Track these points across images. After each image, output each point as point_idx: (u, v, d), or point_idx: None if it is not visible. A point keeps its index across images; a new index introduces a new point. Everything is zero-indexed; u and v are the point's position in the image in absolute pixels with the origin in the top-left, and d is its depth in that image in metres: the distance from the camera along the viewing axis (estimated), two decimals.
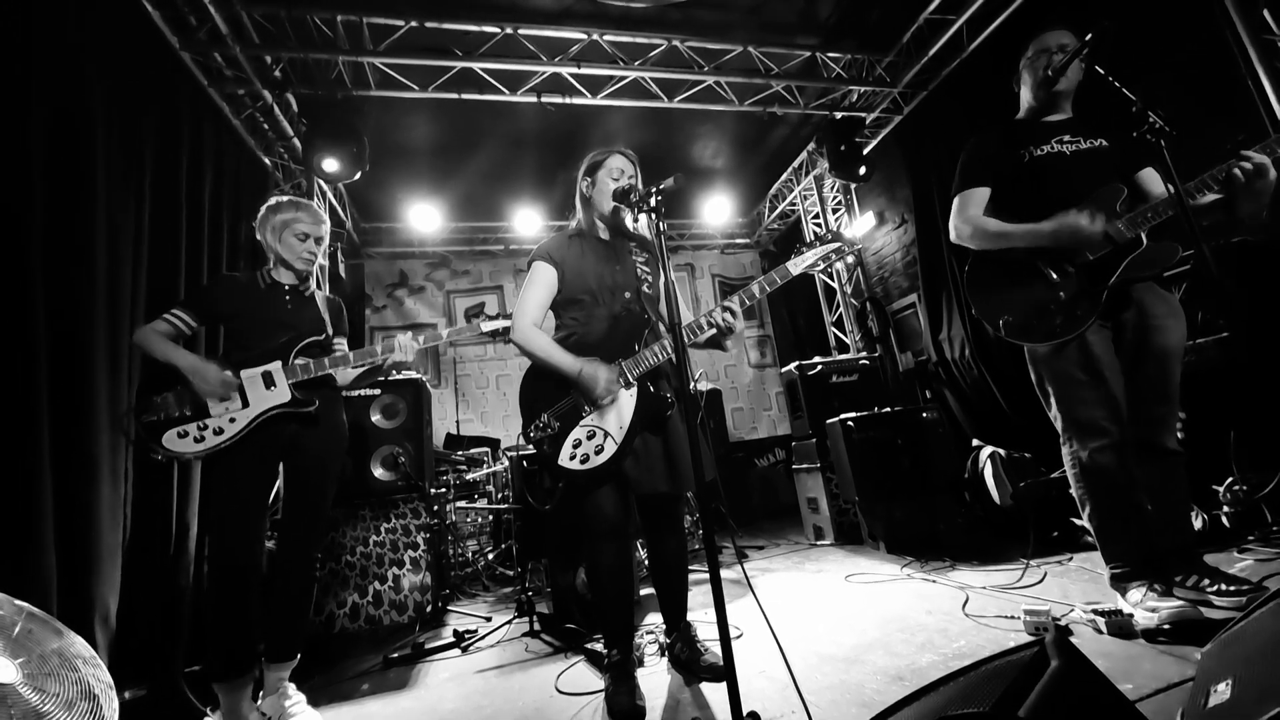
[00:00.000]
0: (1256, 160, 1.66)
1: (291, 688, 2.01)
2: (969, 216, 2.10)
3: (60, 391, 2.25)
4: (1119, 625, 1.75)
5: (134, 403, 2.00)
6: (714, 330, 1.90)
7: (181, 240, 3.13)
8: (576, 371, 1.86)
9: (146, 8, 3.22)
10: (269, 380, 2.05)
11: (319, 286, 2.43)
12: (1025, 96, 2.17)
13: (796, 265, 1.91)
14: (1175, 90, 2.98)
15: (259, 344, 2.08)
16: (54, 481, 2.16)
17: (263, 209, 2.23)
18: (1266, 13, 2.85)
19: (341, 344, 2.34)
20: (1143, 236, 1.85)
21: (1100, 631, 1.78)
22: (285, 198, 2.29)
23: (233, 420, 1.98)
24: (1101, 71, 1.82)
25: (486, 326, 2.33)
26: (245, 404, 2.01)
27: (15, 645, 1.35)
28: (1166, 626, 1.66)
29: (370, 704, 2.15)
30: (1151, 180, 1.99)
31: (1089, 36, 1.81)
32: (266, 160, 4.50)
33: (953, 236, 2.16)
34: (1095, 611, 1.82)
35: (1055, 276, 1.94)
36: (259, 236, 2.23)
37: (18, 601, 1.43)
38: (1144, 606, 1.75)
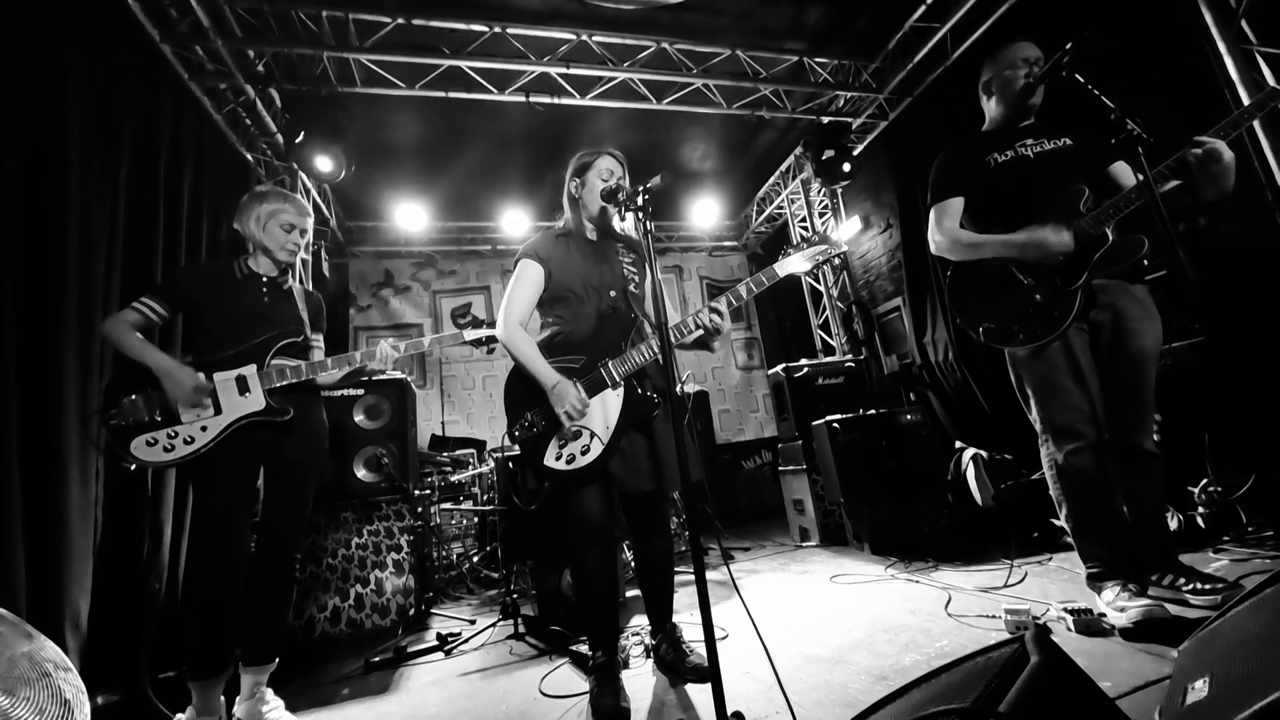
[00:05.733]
0: (1209, 145, 1.67)
1: (269, 693, 1.96)
2: (945, 229, 2.14)
3: (29, 390, 2.20)
4: (1086, 624, 1.78)
5: (100, 404, 1.92)
6: (701, 331, 1.90)
7: (158, 236, 3.07)
8: (551, 385, 1.85)
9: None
10: (243, 386, 1.98)
11: (300, 281, 2.37)
12: (994, 107, 2.19)
13: (784, 267, 1.91)
14: (1152, 100, 3.04)
15: (234, 341, 2.01)
16: (22, 482, 2.10)
17: (245, 197, 2.17)
18: (1245, 23, 2.91)
19: (318, 340, 2.29)
20: (1108, 233, 1.87)
21: (1069, 630, 1.80)
22: (270, 187, 2.25)
23: (204, 429, 1.92)
24: (1081, 80, 1.84)
25: (470, 335, 2.29)
26: (218, 411, 1.94)
27: None
28: (1132, 625, 1.68)
29: (351, 709, 2.12)
30: (1124, 173, 2.00)
31: (1069, 46, 1.84)
32: (249, 156, 4.44)
33: (933, 249, 2.20)
34: (1065, 610, 1.84)
35: (1030, 281, 1.97)
36: (238, 225, 2.16)
37: None
38: (1115, 606, 1.78)
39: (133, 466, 1.89)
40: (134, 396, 1.90)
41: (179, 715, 1.85)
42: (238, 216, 2.16)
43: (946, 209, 2.15)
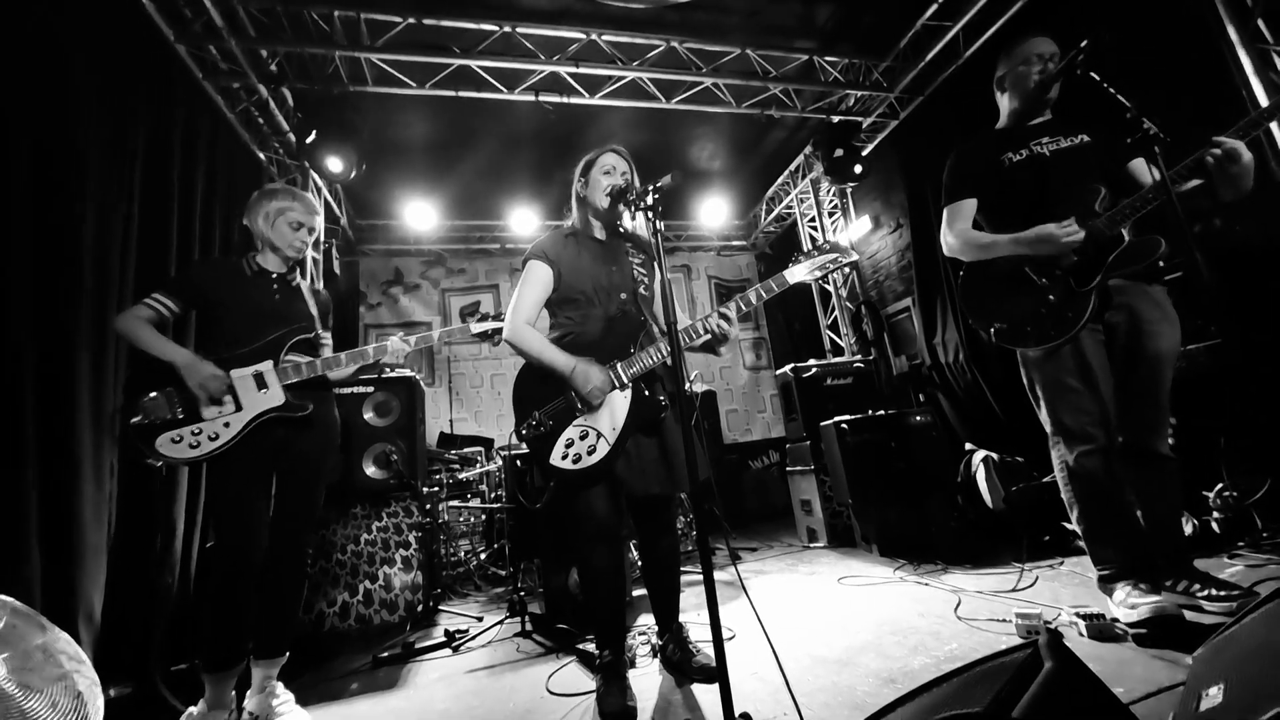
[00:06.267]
0: (1227, 146, 1.65)
1: (279, 686, 1.99)
2: (958, 230, 2.12)
3: (44, 388, 2.23)
4: (1099, 629, 1.76)
5: (121, 404, 1.94)
6: (709, 336, 1.90)
7: (172, 235, 3.11)
8: (570, 369, 1.85)
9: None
10: (260, 382, 2.00)
11: (309, 279, 2.40)
12: (1009, 103, 2.17)
13: (794, 274, 1.90)
14: (1168, 98, 3.00)
15: (247, 338, 2.03)
16: (38, 478, 2.14)
17: (255, 194, 2.20)
18: (1261, 22, 2.87)
19: (327, 338, 2.30)
20: (1124, 233, 1.85)
21: (1081, 635, 1.78)
22: (280, 185, 2.26)
23: (227, 425, 1.94)
24: (1096, 78, 1.82)
25: (476, 328, 2.32)
26: (239, 408, 1.97)
27: None
28: (1142, 621, 1.67)
29: (359, 703, 2.13)
30: (1142, 170, 1.97)
31: (1084, 43, 1.82)
32: (261, 155, 4.47)
33: (945, 250, 2.19)
34: (1078, 614, 1.82)
35: (1043, 281, 1.95)
36: (247, 221, 2.18)
37: (2, 596, 1.41)
38: (1125, 604, 1.76)
39: (159, 464, 1.90)
40: (154, 395, 1.91)
41: (191, 708, 1.86)
42: (247, 213, 2.18)
43: (959, 210, 2.13)
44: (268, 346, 2.05)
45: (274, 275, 2.19)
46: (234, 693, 1.92)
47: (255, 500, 1.97)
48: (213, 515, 2.24)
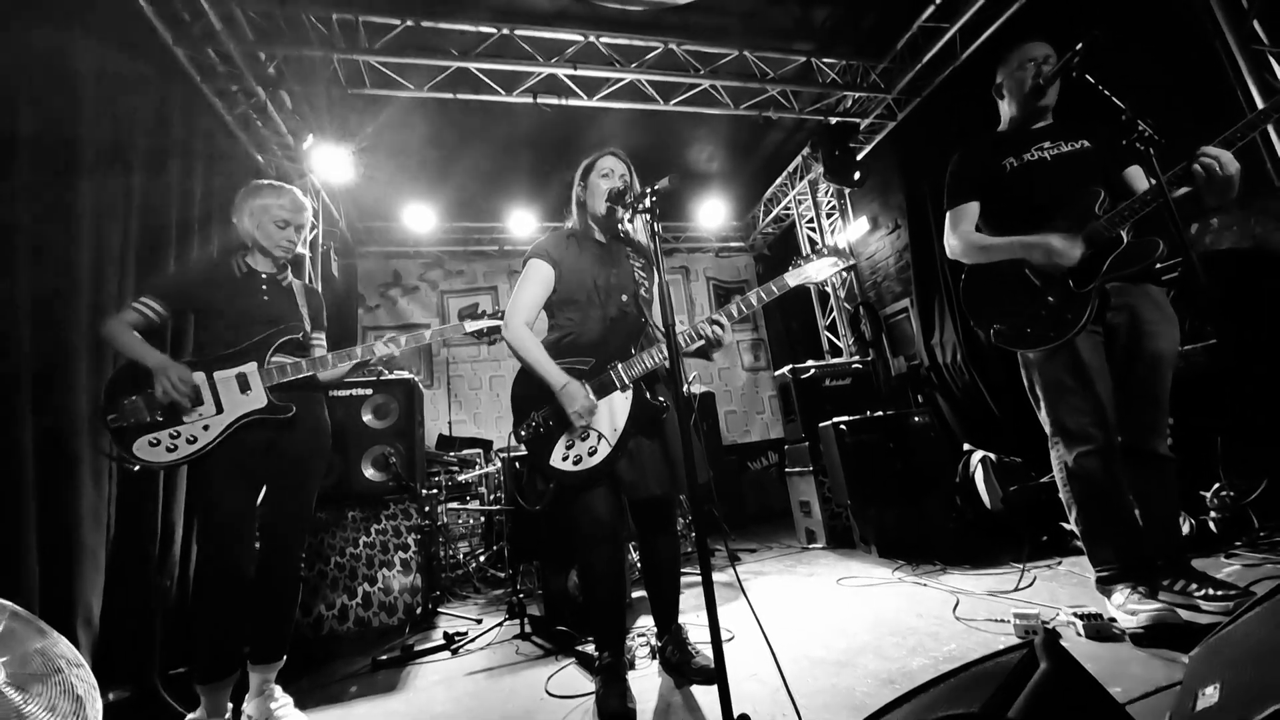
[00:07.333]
0: (1214, 155, 1.67)
1: (278, 690, 1.98)
2: (961, 233, 2.13)
3: (42, 390, 2.22)
4: (1096, 629, 1.76)
5: (101, 405, 1.90)
6: (702, 341, 1.90)
7: (170, 238, 3.10)
8: (561, 386, 1.85)
9: (139, 3, 3.19)
10: (244, 384, 1.97)
11: (302, 276, 2.36)
12: (1008, 109, 2.18)
13: (795, 277, 1.92)
14: (1164, 100, 3.01)
15: (233, 339, 2.00)
16: (36, 480, 2.13)
17: (241, 191, 2.13)
18: (1257, 24, 2.88)
19: (319, 338, 2.28)
20: (1123, 235, 1.86)
21: (1079, 634, 1.79)
22: (266, 181, 2.17)
23: (206, 428, 1.91)
24: (1091, 80, 1.82)
25: (470, 326, 2.27)
26: (220, 409, 1.93)
27: None
28: (1142, 630, 1.67)
29: (358, 706, 2.13)
30: (1136, 177, 1.98)
31: (1079, 45, 1.82)
32: (259, 158, 4.46)
33: (948, 253, 2.20)
34: (1075, 614, 1.83)
35: (1042, 283, 1.96)
36: (234, 219, 2.13)
37: (1, 600, 1.41)
38: (1125, 609, 1.76)
39: (136, 467, 1.88)
40: (134, 397, 1.88)
41: (190, 715, 1.86)
42: (234, 211, 2.13)
43: (962, 213, 2.14)
44: (253, 347, 2.01)
45: (263, 275, 2.14)
46: (230, 703, 1.91)
47: (237, 504, 1.92)
48: (199, 525, 2.20)
